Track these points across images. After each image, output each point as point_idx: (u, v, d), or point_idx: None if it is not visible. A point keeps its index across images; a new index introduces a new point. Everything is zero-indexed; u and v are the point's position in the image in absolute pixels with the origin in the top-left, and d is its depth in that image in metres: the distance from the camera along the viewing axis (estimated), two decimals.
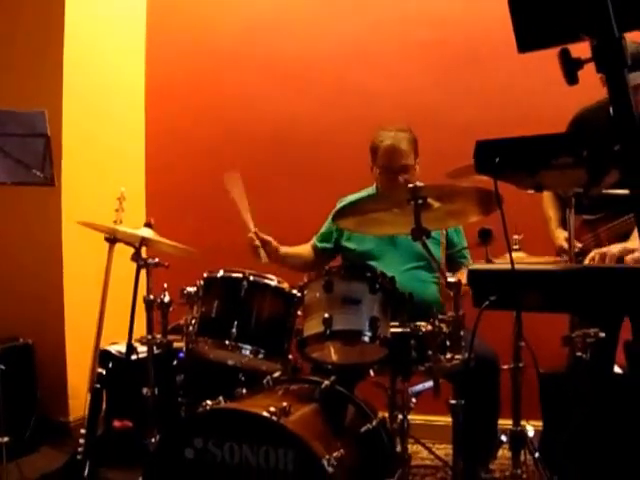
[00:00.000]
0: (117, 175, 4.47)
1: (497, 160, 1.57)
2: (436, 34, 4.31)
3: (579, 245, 3.18)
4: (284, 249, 3.45)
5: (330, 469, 2.19)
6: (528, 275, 1.79)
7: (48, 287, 4.15)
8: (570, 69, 1.27)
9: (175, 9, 4.83)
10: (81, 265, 4.15)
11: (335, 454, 2.27)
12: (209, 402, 2.50)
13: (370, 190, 3.55)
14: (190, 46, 4.76)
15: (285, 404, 2.35)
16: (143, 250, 3.22)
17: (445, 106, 4.24)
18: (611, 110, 1.26)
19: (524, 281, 1.78)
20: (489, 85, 4.20)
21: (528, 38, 1.43)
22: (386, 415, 2.76)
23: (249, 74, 4.64)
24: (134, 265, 3.19)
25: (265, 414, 2.27)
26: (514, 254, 2.86)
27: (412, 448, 3.61)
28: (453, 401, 2.50)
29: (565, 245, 3.11)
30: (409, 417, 2.82)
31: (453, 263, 3.31)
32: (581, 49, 1.29)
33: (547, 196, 3.37)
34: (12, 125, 2.89)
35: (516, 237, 2.88)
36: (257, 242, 3.25)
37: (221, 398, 2.54)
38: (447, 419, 2.63)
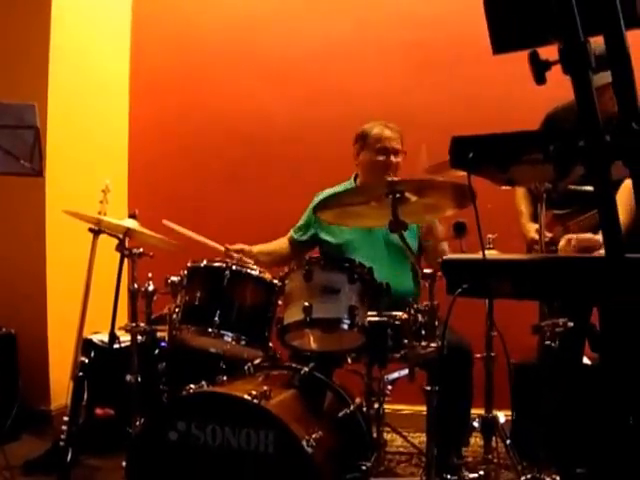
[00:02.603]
0: (101, 168, 4.50)
1: (471, 155, 1.64)
2: (416, 35, 4.40)
3: (549, 235, 3.30)
4: (257, 248, 3.52)
5: (309, 450, 2.28)
6: (499, 264, 1.88)
7: (31, 277, 4.18)
8: (539, 70, 1.36)
9: (160, 5, 4.89)
10: (64, 256, 4.19)
11: (314, 436, 2.36)
12: (192, 386, 2.57)
13: (347, 184, 3.61)
14: (174, 42, 4.81)
15: (266, 388, 2.44)
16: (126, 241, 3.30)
17: (424, 105, 4.32)
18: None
19: (495, 270, 1.86)
20: (468, 85, 4.29)
21: (502, 40, 1.53)
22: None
23: (232, 71, 4.71)
24: (117, 256, 3.24)
25: (247, 397, 2.36)
26: (487, 252, 2.97)
27: (388, 436, 3.71)
28: (427, 387, 2.59)
29: (536, 237, 3.22)
30: (386, 406, 2.92)
31: (428, 255, 3.42)
32: (553, 50, 1.38)
33: (519, 192, 3.48)
34: (1, 117, 2.93)
35: (490, 236, 2.98)
36: (235, 255, 3.32)
37: (204, 382, 2.61)
38: (422, 408, 2.71)
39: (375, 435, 2.89)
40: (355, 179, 3.61)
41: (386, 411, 2.99)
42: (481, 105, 4.18)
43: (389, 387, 2.93)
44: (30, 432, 3.98)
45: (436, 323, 2.63)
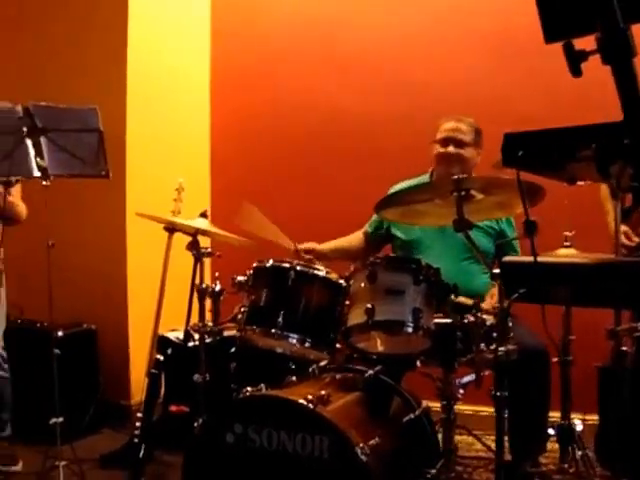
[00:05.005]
0: (181, 168, 4.51)
1: (520, 153, 1.55)
2: (496, 23, 4.25)
3: (637, 239, 3.12)
4: (327, 246, 3.49)
5: (364, 457, 2.22)
6: (555, 269, 1.77)
7: (112, 275, 4.25)
8: (574, 61, 1.26)
9: (238, 5, 4.89)
10: (144, 254, 4.24)
11: (371, 442, 2.29)
12: (249, 389, 2.55)
13: (423, 178, 3.52)
14: (253, 41, 4.80)
15: (324, 392, 2.39)
16: (206, 240, 3.34)
17: (502, 97, 4.17)
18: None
19: (551, 275, 1.76)
20: (549, 75, 4.10)
21: (554, 29, 1.44)
22: (431, 405, 2.78)
23: (311, 68, 4.67)
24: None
25: (302, 402, 2.32)
26: (565, 251, 2.84)
27: (467, 440, 3.61)
28: (497, 393, 2.47)
29: (626, 241, 3.05)
30: (464, 408, 2.81)
31: (502, 254, 3.27)
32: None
33: (604, 188, 3.29)
34: (67, 121, 2.99)
35: (567, 233, 2.83)
36: (306, 256, 3.28)
37: (262, 385, 2.57)
38: None
39: (445, 441, 2.79)
40: (432, 174, 3.52)
41: (465, 413, 2.89)
42: (562, 96, 3.97)
43: (461, 391, 2.83)
44: (110, 426, 4.08)
45: (510, 325, 2.51)
